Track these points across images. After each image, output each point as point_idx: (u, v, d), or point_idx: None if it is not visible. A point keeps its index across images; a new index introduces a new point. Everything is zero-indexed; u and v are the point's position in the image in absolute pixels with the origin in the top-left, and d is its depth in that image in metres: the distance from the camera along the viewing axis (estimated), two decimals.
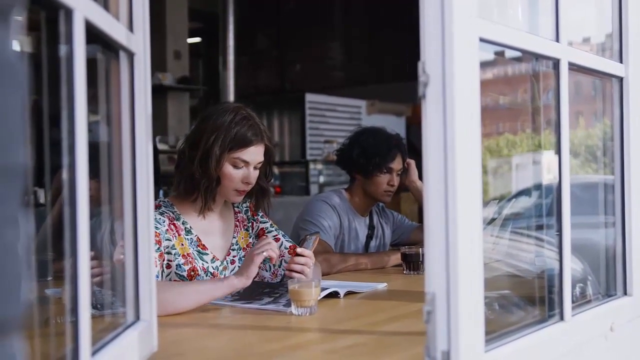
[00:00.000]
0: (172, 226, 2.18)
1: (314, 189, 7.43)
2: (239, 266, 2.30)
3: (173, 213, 2.22)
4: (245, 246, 2.38)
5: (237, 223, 2.39)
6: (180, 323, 1.83)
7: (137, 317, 1.39)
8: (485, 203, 1.31)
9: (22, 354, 0.60)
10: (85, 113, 1.04)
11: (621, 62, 1.81)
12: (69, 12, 1.01)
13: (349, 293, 2.20)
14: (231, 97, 8.34)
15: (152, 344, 1.43)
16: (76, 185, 1.02)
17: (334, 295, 2.12)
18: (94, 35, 1.13)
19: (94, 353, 1.09)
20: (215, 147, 2.16)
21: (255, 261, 1.98)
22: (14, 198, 0.57)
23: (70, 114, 1.02)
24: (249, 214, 2.44)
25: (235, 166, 2.20)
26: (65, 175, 1.02)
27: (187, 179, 2.21)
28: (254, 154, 2.22)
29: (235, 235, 2.37)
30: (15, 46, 0.58)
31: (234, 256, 2.34)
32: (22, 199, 0.59)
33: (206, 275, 2.22)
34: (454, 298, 1.17)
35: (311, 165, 7.56)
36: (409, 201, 6.61)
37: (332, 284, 2.21)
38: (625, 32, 1.80)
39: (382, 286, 2.36)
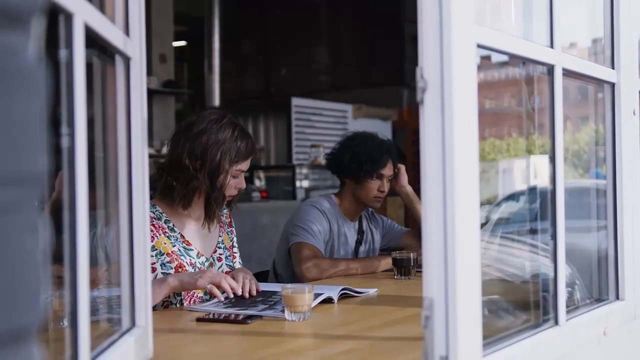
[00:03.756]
0: (151, 227, 2.19)
1: (300, 193, 7.42)
2: (226, 264, 2.41)
3: (154, 213, 2.25)
4: (228, 247, 2.47)
5: (222, 224, 2.48)
6: (175, 329, 1.82)
7: (133, 324, 1.38)
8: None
9: None
10: (85, 117, 1.04)
11: (613, 68, 1.83)
12: (69, 17, 1.00)
13: (343, 295, 2.21)
14: (216, 102, 8.33)
15: (147, 350, 1.42)
16: (75, 190, 1.01)
17: (327, 300, 2.12)
18: (90, 39, 1.12)
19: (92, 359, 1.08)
20: (225, 163, 2.26)
21: (198, 285, 2.06)
22: (33, 205, 0.57)
23: (70, 118, 1.01)
24: (228, 220, 2.54)
25: (235, 176, 2.31)
26: (65, 179, 1.01)
27: (191, 192, 2.27)
28: (249, 162, 2.36)
29: (220, 234, 2.45)
30: (35, 53, 0.58)
31: (220, 254, 2.42)
32: (40, 206, 0.58)
33: (194, 270, 2.27)
34: (452, 303, 1.17)
35: (297, 170, 7.53)
36: (394, 205, 6.63)
37: (324, 289, 2.21)
38: (617, 38, 1.82)
39: (373, 291, 2.36)
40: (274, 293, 2.18)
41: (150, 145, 6.93)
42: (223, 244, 2.45)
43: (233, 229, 2.53)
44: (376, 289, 2.38)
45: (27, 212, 0.56)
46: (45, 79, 0.59)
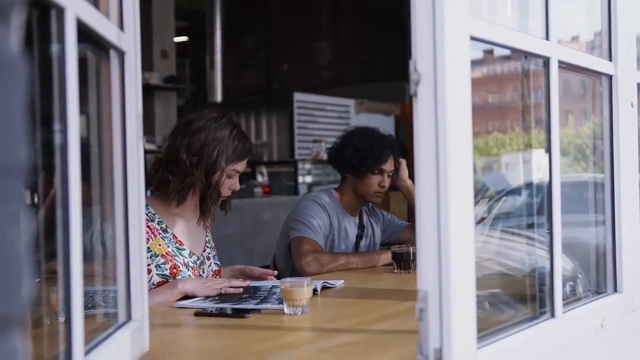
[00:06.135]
0: (146, 228, 2.21)
1: (302, 188, 7.42)
2: (214, 262, 2.46)
3: (147, 214, 2.25)
4: (213, 247, 2.51)
5: (208, 224, 2.51)
6: (171, 323, 1.83)
7: (129, 317, 1.38)
8: (475, 202, 1.31)
9: (23, 350, 0.60)
10: (77, 113, 1.04)
11: (610, 60, 1.82)
12: (60, 11, 1.00)
13: (324, 288, 2.25)
14: (218, 97, 8.33)
15: (143, 343, 1.42)
16: (68, 186, 1.01)
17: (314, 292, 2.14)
18: (84, 33, 1.12)
19: (86, 353, 1.09)
20: (221, 161, 2.28)
21: (210, 292, 2.13)
22: (16, 196, 0.57)
23: (62, 113, 1.01)
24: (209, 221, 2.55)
25: (229, 176, 2.33)
26: (57, 176, 1.01)
27: (187, 187, 2.29)
28: (245, 164, 2.39)
29: (207, 234, 2.49)
30: (16, 45, 0.58)
31: (208, 253, 2.46)
32: (23, 197, 0.59)
33: (187, 270, 2.30)
34: (446, 295, 1.17)
35: (300, 165, 7.54)
36: (397, 200, 6.62)
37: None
38: (614, 30, 1.81)
39: (340, 283, 2.38)
40: (258, 289, 2.20)
41: (152, 141, 6.93)
42: (210, 243, 2.49)
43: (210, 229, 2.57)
44: (342, 281, 2.41)
45: (9, 202, 0.56)
46: (26, 72, 0.60)
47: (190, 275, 2.28)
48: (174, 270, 2.25)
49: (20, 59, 0.58)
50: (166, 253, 2.26)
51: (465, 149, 1.21)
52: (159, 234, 2.28)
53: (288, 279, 1.97)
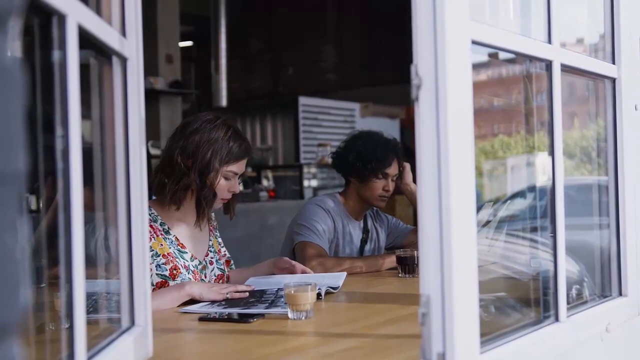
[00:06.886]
0: (148, 228, 2.22)
1: (307, 192, 7.42)
2: (217, 267, 2.46)
3: (150, 215, 2.27)
4: (217, 250, 2.51)
5: (211, 228, 2.52)
6: (175, 328, 1.83)
7: (132, 323, 1.38)
8: (480, 205, 1.31)
9: (21, 357, 0.60)
10: (79, 119, 1.04)
11: (614, 63, 1.82)
12: (62, 18, 1.00)
13: (328, 293, 2.24)
14: (224, 102, 8.33)
15: (147, 349, 1.42)
16: (70, 192, 1.01)
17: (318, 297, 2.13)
18: (86, 40, 1.12)
19: (89, 359, 1.09)
20: (215, 162, 2.28)
21: (216, 297, 2.12)
22: (13, 203, 0.57)
23: (64, 119, 1.02)
24: (215, 223, 2.57)
25: (226, 178, 2.33)
26: (59, 181, 1.02)
27: (182, 190, 2.29)
28: (243, 166, 2.38)
29: (210, 238, 2.49)
30: (13, 52, 0.59)
31: (211, 257, 2.46)
32: (20, 205, 0.59)
33: (188, 273, 2.30)
34: (449, 300, 1.17)
35: (305, 169, 7.53)
36: (403, 204, 6.62)
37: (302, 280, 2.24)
38: (617, 33, 1.81)
39: (342, 277, 2.42)
40: (264, 293, 2.20)
41: (157, 146, 6.93)
42: (213, 247, 2.49)
43: (218, 233, 2.57)
44: (344, 273, 2.45)
45: (7, 210, 0.57)
46: (24, 79, 0.60)
47: (190, 279, 2.29)
48: (174, 272, 2.25)
49: (18, 67, 0.58)
50: (167, 254, 2.27)
51: (466, 152, 1.21)
52: (161, 234, 2.29)
53: (292, 284, 1.97)
